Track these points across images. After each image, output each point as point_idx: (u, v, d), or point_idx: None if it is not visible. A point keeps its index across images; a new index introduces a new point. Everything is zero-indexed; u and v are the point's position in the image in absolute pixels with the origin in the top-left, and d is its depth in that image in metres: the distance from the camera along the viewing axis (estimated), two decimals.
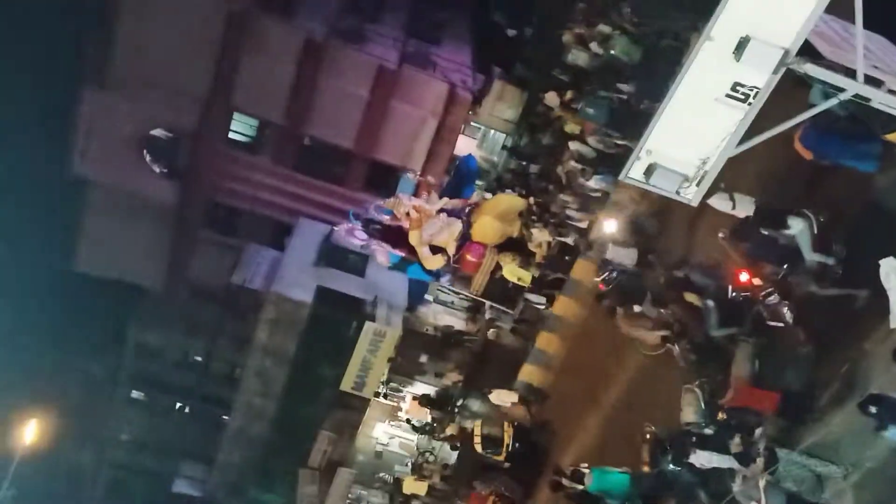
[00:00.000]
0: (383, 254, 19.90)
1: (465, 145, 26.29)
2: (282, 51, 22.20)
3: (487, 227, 19.35)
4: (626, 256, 13.53)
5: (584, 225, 17.03)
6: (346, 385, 20.54)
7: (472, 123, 27.90)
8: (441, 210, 19.65)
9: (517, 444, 15.49)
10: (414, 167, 23.61)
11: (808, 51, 5.99)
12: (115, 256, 23.81)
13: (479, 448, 15.81)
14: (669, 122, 6.23)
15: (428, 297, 23.13)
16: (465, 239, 19.49)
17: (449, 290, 22.27)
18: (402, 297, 21.75)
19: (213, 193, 23.99)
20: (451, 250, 19.75)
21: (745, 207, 10.48)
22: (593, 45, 19.61)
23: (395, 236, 20.59)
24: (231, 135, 24.18)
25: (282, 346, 20.71)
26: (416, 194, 20.22)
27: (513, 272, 18.48)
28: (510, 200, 19.73)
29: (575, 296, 16.80)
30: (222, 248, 24.00)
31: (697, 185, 6.44)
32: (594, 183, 16.49)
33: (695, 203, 6.56)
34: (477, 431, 16.06)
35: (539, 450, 15.50)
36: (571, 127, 18.93)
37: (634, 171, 6.48)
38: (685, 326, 10.59)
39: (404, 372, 21.49)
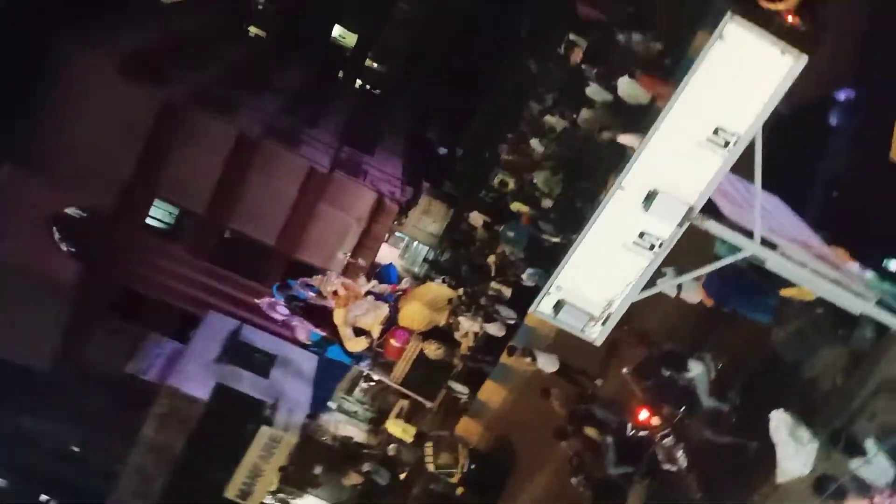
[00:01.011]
0: (304, 331, 19.41)
1: (387, 254, 26.51)
2: (213, 144, 22.23)
3: (415, 313, 19.20)
4: (549, 362, 13.47)
5: (511, 321, 17.07)
6: (231, 492, 19.29)
7: (396, 233, 28.35)
8: (369, 292, 19.55)
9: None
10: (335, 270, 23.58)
11: (712, 208, 6.33)
12: (4, 332, 22.41)
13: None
14: (580, 262, 6.39)
15: (331, 404, 22.50)
16: (390, 323, 19.29)
17: (357, 396, 21.72)
18: (305, 403, 21.10)
19: (121, 277, 23.17)
20: (375, 333, 19.43)
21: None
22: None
23: (319, 314, 20.16)
24: (148, 220, 23.69)
25: (168, 443, 19.51)
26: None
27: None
28: (439, 289, 19.83)
29: (503, 382, 16.44)
30: (122, 335, 22.92)
31: (602, 324, 6.55)
32: (526, 277, 16.62)
33: (598, 343, 6.65)
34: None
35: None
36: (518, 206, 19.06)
37: (544, 306, 6.56)
38: (583, 461, 10.54)
39: (296, 482, 20.43)
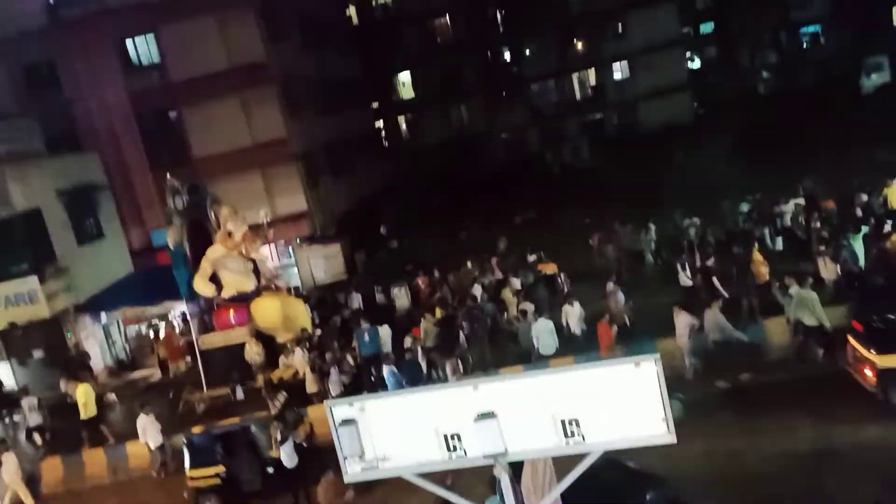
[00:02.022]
0: (174, 235, 18.62)
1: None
2: None
3: (271, 309, 18.93)
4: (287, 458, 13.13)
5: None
6: None
7: (289, 247, 28.46)
8: (253, 261, 19.09)
9: None
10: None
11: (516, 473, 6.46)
12: None
13: None
14: (399, 405, 6.38)
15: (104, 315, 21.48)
16: (243, 299, 18.73)
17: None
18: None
19: None
20: (226, 293, 18.83)
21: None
22: None
23: (201, 235, 19.49)
24: None
25: None
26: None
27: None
28: (305, 314, 19.53)
29: None
30: None
31: (362, 469, 6.48)
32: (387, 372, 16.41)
33: (345, 479, 6.55)
34: None
35: None
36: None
37: (340, 409, 6.48)
38: None
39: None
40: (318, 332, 19.50)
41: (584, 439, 5.95)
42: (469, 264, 23.12)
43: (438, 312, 19.24)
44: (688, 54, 55.38)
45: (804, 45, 49.69)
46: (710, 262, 17.83)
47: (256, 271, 19.40)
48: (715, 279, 17.06)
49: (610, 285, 17.43)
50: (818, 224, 19.05)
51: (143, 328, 24.65)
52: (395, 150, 49.76)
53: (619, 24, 47.00)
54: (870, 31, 44.89)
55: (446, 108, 50.18)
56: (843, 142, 28.88)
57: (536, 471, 6.75)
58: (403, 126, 51.90)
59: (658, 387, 5.88)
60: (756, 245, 17.91)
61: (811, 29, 49.41)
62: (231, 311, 18.98)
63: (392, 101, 50.79)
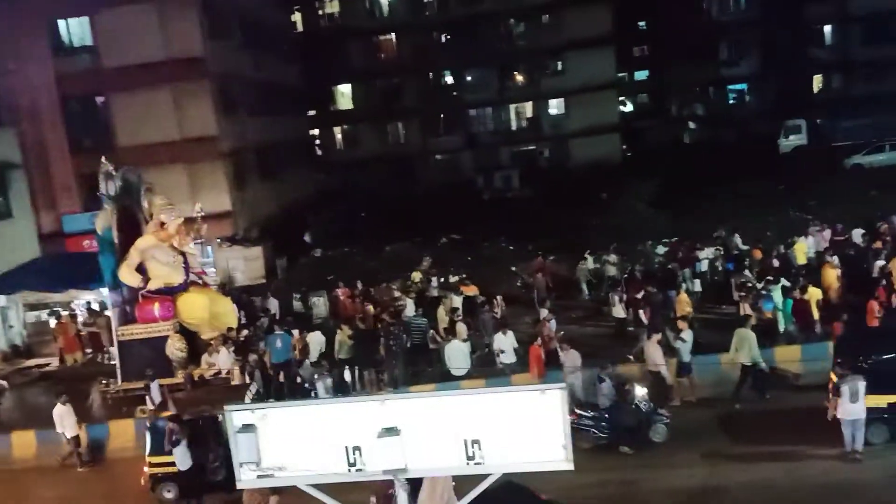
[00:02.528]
0: (104, 220, 17.81)
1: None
2: None
3: (198, 305, 18.56)
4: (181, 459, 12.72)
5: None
6: None
7: (207, 246, 27.90)
8: (183, 254, 18.62)
9: None
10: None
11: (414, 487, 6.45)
12: None
13: None
14: (303, 413, 6.31)
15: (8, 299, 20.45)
16: (170, 291, 18.21)
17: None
18: None
19: None
20: (153, 285, 18.26)
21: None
22: None
23: (131, 223, 18.94)
24: None
25: None
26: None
27: None
28: (231, 313, 19.11)
29: None
30: None
31: (258, 476, 6.36)
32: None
33: (239, 485, 6.42)
34: None
35: None
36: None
37: (241, 412, 6.36)
38: None
39: None
40: (245, 332, 19.13)
41: (484, 461, 6.02)
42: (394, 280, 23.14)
43: (359, 324, 19.21)
44: (621, 98, 57.27)
45: (731, 101, 52.05)
46: (640, 296, 18.45)
47: (185, 265, 19.03)
48: (642, 312, 17.61)
49: (544, 312, 17.76)
50: (742, 272, 19.75)
51: (45, 315, 23.58)
52: (327, 160, 49.55)
53: (560, 62, 48.29)
54: (792, 95, 47.49)
55: (383, 124, 50.34)
56: (759, 196, 30.33)
57: (435, 489, 6.77)
58: (339, 137, 51.72)
59: (561, 415, 6.01)
60: (684, 286, 18.56)
61: (738, 87, 51.83)
62: (156, 304, 18.51)
63: (329, 110, 50.59)
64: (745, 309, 16.94)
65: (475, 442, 6.00)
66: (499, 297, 19.56)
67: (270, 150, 33.97)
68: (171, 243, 18.64)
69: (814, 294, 16.69)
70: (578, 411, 12.98)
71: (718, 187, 32.24)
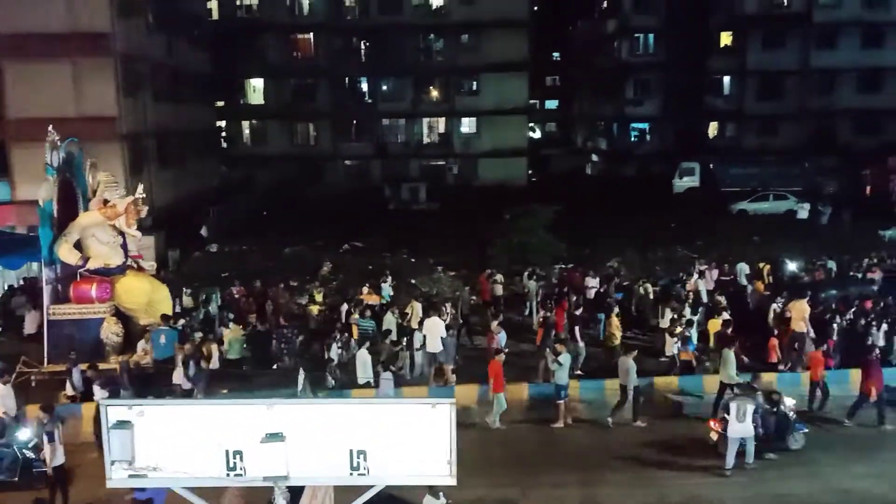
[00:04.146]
0: (46, 191, 17.27)
1: None
2: None
3: (139, 290, 17.85)
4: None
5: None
6: None
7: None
8: (123, 234, 17.71)
9: None
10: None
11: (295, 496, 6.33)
12: None
13: None
14: (183, 414, 6.10)
15: None
16: (108, 272, 17.22)
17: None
18: None
19: None
20: (92, 265, 17.26)
21: None
22: None
23: (70, 200, 17.88)
24: None
25: None
26: None
27: None
28: (168, 301, 18.50)
29: None
30: None
31: (130, 476, 6.09)
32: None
33: (107, 484, 6.13)
34: None
35: None
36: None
37: (116, 408, 6.08)
38: None
39: None
40: (181, 321, 18.34)
41: (368, 472, 5.99)
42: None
43: (256, 324, 18.76)
44: (531, 124, 58.76)
45: (632, 139, 54.30)
46: (579, 312, 19.08)
47: (124, 247, 18.19)
48: (577, 329, 18.23)
49: (494, 325, 17.90)
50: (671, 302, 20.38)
51: None
52: (232, 154, 48.34)
53: (475, 82, 49.10)
54: (689, 139, 50.07)
55: (294, 123, 49.66)
56: (652, 232, 31.71)
57: (316, 498, 6.68)
58: (246, 131, 50.56)
59: (449, 429, 6.07)
60: (615, 311, 19.12)
61: (641, 125, 54.14)
62: (94, 285, 17.49)
63: (239, 103, 49.43)
64: (670, 347, 17.60)
65: (361, 452, 5.97)
66: (447, 305, 19.62)
67: (173, 137, 32.75)
68: (114, 224, 17.82)
69: (713, 326, 17.61)
70: (728, 419, 13.12)
71: (614, 219, 33.52)
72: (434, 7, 48.58)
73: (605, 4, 57.87)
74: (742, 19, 49.59)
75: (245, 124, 50.30)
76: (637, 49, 52.35)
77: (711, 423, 13.66)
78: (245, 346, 18.10)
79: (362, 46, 49.54)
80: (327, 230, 32.15)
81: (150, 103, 30.29)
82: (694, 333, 17.84)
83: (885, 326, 17.53)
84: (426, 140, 50.52)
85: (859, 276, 22.68)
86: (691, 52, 49.50)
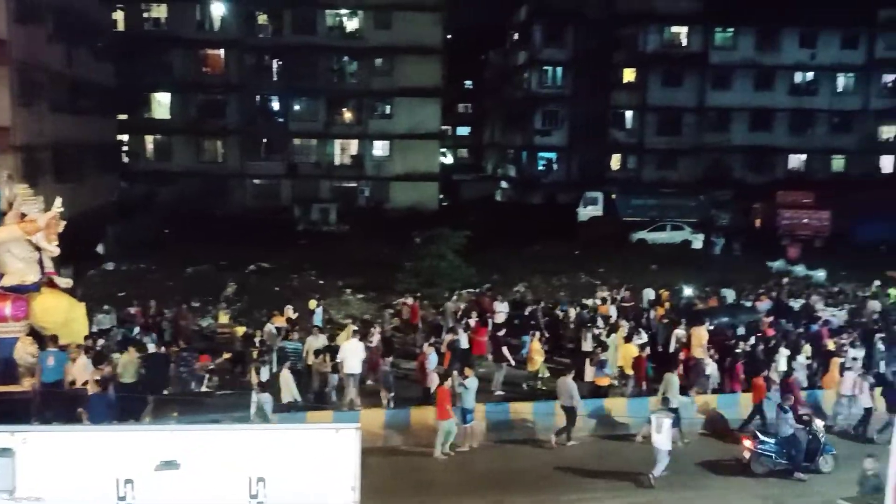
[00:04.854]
0: None
1: None
2: None
3: (57, 309, 16.62)
4: None
5: None
6: None
7: None
8: (40, 250, 16.48)
9: None
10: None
11: None
12: None
13: None
14: (76, 440, 5.82)
15: None
16: (23, 290, 16.11)
17: None
18: None
19: None
20: (7, 282, 16.05)
21: None
22: None
23: None
24: None
25: None
26: None
27: None
28: (84, 321, 17.39)
29: None
30: None
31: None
32: None
33: None
34: None
35: None
36: None
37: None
38: None
39: None
40: (101, 342, 17.29)
41: (266, 499, 5.89)
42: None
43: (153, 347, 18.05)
44: (443, 150, 59.46)
45: (540, 167, 55.71)
46: (501, 333, 19.47)
47: (40, 264, 17.02)
48: (504, 349, 18.63)
49: (426, 346, 17.87)
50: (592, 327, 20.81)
51: None
52: (134, 169, 46.63)
53: (388, 106, 49.35)
54: (593, 169, 51.87)
55: (201, 140, 48.47)
56: (557, 258, 32.56)
57: None
58: (150, 146, 48.95)
59: (354, 455, 6.04)
60: (538, 333, 19.43)
61: (548, 155, 55.65)
62: (8, 302, 16.21)
63: (143, 117, 47.85)
64: (589, 372, 17.99)
65: (260, 479, 5.87)
66: (375, 327, 19.41)
67: (71, 150, 31.36)
68: (32, 239, 16.68)
69: (627, 351, 18.18)
70: (762, 437, 13.20)
71: (522, 245, 34.25)
72: (349, 30, 48.67)
73: (516, 36, 59.45)
74: (643, 57, 51.99)
75: (149, 139, 48.71)
76: (546, 81, 53.94)
77: (745, 442, 14.16)
78: (141, 370, 17.40)
79: (274, 65, 49.01)
80: (233, 250, 31.44)
81: (47, 114, 28.98)
82: (611, 356, 18.33)
83: (786, 351, 18.44)
84: (338, 161, 50.26)
85: (748, 304, 23.94)
86: (596, 87, 51.49)
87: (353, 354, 16.85)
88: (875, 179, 52.03)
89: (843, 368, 17.02)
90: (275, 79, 48.89)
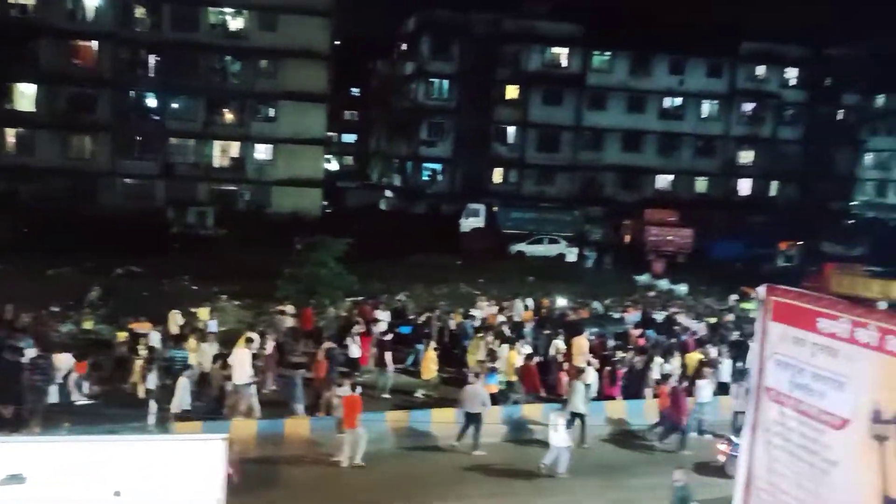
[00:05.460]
0: None
1: None
2: None
3: None
4: None
5: None
6: None
7: None
8: None
9: None
10: None
11: None
12: None
13: None
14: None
15: None
16: None
17: None
18: None
19: None
20: None
21: None
22: None
23: None
24: None
25: None
26: None
27: None
28: None
29: None
30: None
31: None
32: None
33: None
34: None
35: None
36: None
37: None
38: None
39: None
40: None
41: None
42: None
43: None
44: (327, 156, 58.86)
45: (425, 178, 56.20)
46: (387, 338, 19.54)
47: None
48: (388, 354, 18.82)
49: (321, 354, 17.53)
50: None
51: None
52: None
53: (272, 109, 48.36)
54: (476, 182, 52.90)
55: (68, 135, 45.72)
56: (439, 268, 32.93)
57: None
58: (11, 139, 45.68)
59: (220, 466, 5.91)
60: (432, 343, 19.40)
61: (433, 165, 56.25)
62: None
63: (4, 109, 44.62)
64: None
65: (117, 493, 5.64)
66: (267, 335, 18.76)
67: None
68: None
69: (513, 359, 18.54)
70: (736, 441, 13.29)
71: (405, 254, 34.42)
72: (232, 29, 47.40)
73: (404, 47, 59.84)
74: (526, 75, 53.64)
75: (10, 132, 45.47)
76: (432, 93, 54.58)
77: (719, 446, 14.89)
78: None
79: (152, 60, 46.99)
80: (100, 252, 29.78)
81: None
82: (501, 365, 18.59)
83: (660, 360, 19.38)
84: (217, 163, 48.70)
85: (615, 315, 25.12)
86: (481, 102, 52.64)
87: (240, 364, 16.33)
88: (733, 201, 56.03)
89: (701, 377, 18.10)
90: (151, 75, 46.86)
